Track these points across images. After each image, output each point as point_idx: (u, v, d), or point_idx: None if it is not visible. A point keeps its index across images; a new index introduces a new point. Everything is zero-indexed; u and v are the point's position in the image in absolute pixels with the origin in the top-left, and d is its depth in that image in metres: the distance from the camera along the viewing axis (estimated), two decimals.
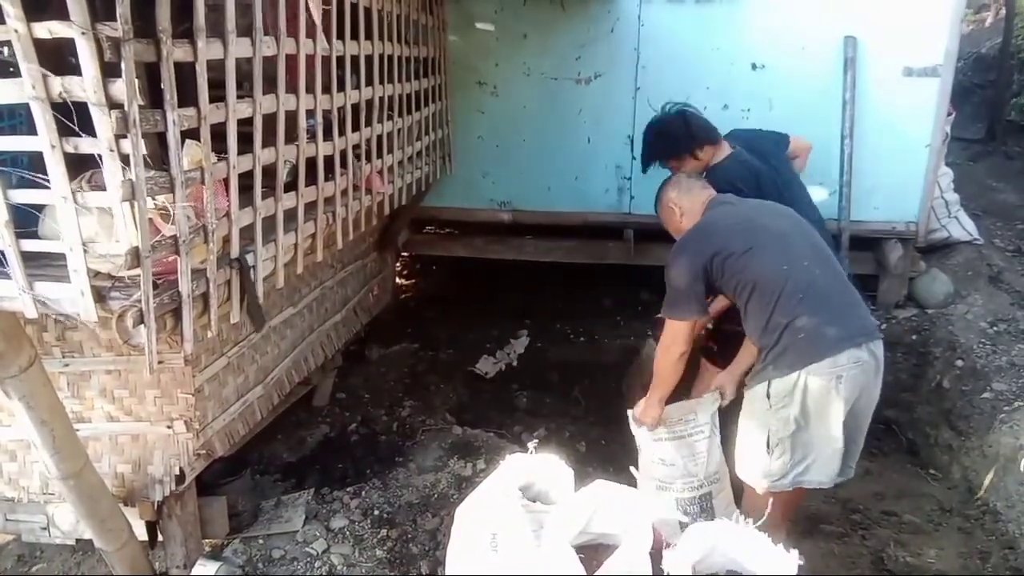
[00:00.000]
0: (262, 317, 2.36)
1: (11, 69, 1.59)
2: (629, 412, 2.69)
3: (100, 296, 1.75)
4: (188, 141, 1.80)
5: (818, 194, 4.02)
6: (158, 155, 1.75)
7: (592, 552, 2.07)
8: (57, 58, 1.61)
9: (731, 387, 2.67)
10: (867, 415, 2.38)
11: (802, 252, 2.35)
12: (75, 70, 1.55)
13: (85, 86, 1.55)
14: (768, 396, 2.30)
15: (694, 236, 2.48)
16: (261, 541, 2.76)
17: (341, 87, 2.66)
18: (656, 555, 1.92)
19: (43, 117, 1.59)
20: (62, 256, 1.72)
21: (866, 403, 2.34)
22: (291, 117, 2.31)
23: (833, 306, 2.30)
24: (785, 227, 2.43)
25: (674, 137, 2.95)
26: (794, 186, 3.01)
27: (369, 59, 2.90)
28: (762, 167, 2.92)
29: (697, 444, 2.63)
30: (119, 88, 1.55)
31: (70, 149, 1.63)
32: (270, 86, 2.17)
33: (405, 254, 5.47)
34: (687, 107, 2.99)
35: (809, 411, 2.27)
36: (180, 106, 1.73)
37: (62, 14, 1.49)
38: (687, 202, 2.61)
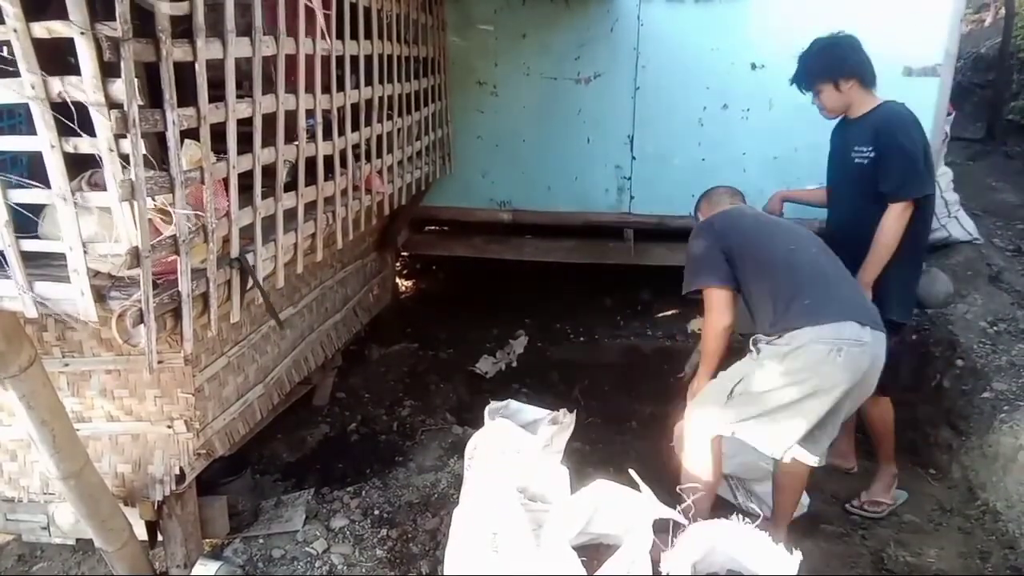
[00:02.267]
0: (276, 313, 2.39)
1: (11, 69, 1.58)
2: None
3: (100, 296, 1.75)
4: (188, 141, 1.81)
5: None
6: (158, 155, 1.75)
7: (592, 552, 2.07)
8: (57, 58, 1.61)
9: None
10: (853, 405, 2.42)
11: (810, 244, 2.51)
12: (75, 70, 1.55)
13: (84, 86, 1.55)
14: (757, 350, 2.40)
15: (711, 220, 2.66)
16: (261, 541, 2.76)
17: (341, 87, 2.66)
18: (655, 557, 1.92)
19: (43, 117, 1.59)
20: (62, 256, 1.72)
21: (858, 393, 2.37)
22: (291, 117, 2.31)
23: (840, 290, 2.40)
24: (792, 226, 2.64)
25: (821, 59, 2.90)
26: None
27: (369, 59, 2.90)
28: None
29: None
30: (118, 88, 1.55)
31: (70, 149, 1.63)
32: (270, 86, 2.17)
33: (405, 254, 5.47)
34: (853, 37, 2.97)
35: (796, 377, 2.28)
36: (180, 106, 1.73)
37: (61, 14, 1.49)
38: (706, 209, 2.83)
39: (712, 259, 2.48)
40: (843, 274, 2.49)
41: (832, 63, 2.86)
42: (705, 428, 2.46)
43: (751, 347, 2.44)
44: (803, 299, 2.33)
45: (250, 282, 2.14)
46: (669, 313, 4.93)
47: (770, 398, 2.33)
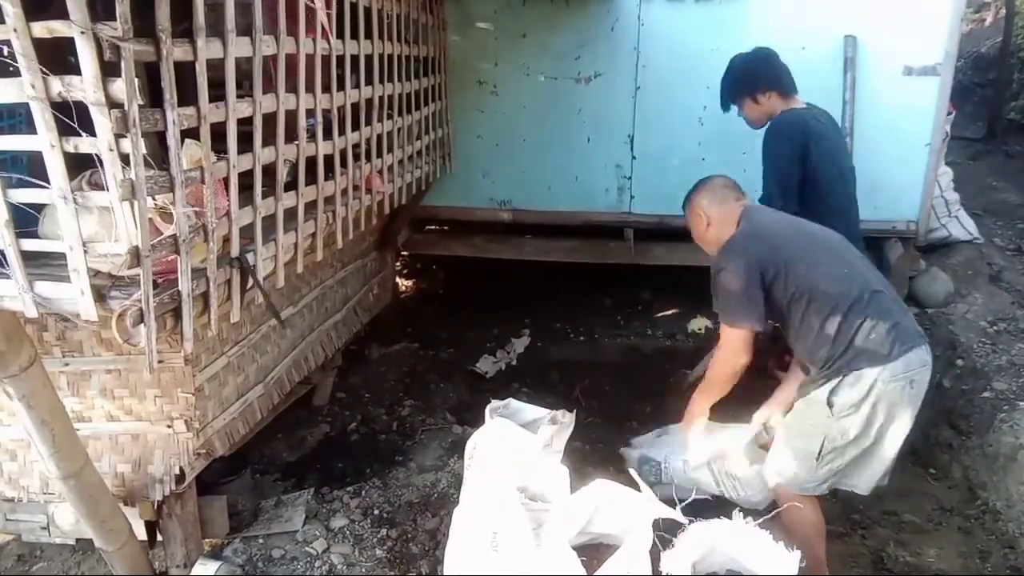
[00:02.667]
0: (277, 312, 2.38)
1: (11, 68, 1.58)
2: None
3: (100, 295, 1.75)
4: (188, 140, 1.80)
5: None
6: (158, 154, 1.75)
7: (592, 552, 2.07)
8: (57, 58, 1.61)
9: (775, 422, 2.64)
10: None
11: (853, 258, 2.35)
12: (75, 70, 1.55)
13: (85, 86, 1.54)
14: (830, 404, 2.23)
15: (747, 240, 2.37)
16: (261, 541, 2.76)
17: (341, 86, 2.66)
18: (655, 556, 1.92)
19: (43, 117, 1.59)
20: (62, 256, 1.72)
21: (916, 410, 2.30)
22: (291, 116, 2.31)
23: (893, 309, 2.26)
24: (830, 236, 2.41)
25: (734, 78, 3.03)
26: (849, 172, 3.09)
27: (369, 58, 2.90)
28: (832, 134, 3.02)
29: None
30: (119, 87, 1.55)
31: (70, 149, 1.63)
32: (270, 85, 2.17)
33: (405, 253, 5.46)
34: (767, 50, 3.07)
35: (875, 420, 2.21)
36: (180, 105, 1.72)
37: (62, 13, 1.49)
38: (717, 212, 2.50)
39: (751, 296, 2.27)
40: (887, 288, 2.34)
41: (747, 79, 3.01)
42: (801, 491, 2.37)
43: (819, 399, 2.26)
44: (868, 334, 2.19)
45: (250, 282, 2.14)
46: (669, 313, 4.93)
47: (859, 445, 2.26)
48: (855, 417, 2.21)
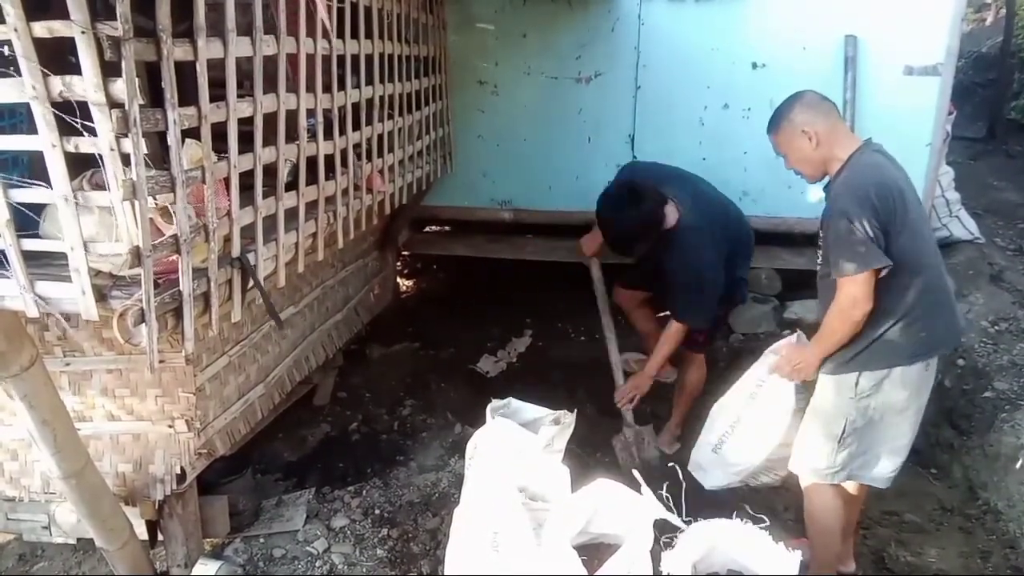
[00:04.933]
0: (276, 313, 2.39)
1: (11, 68, 1.58)
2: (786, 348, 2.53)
3: (101, 295, 1.75)
4: (188, 140, 1.81)
5: (818, 194, 4.02)
6: (159, 154, 1.75)
7: (592, 552, 2.08)
8: (58, 57, 1.61)
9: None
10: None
11: (934, 245, 2.29)
12: (75, 69, 1.55)
13: (85, 85, 1.55)
14: (856, 385, 2.22)
15: (872, 173, 2.14)
16: (262, 540, 2.76)
17: (341, 86, 2.66)
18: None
19: (43, 117, 1.59)
20: (63, 255, 1.72)
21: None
22: (292, 116, 2.31)
23: (946, 310, 2.25)
24: (923, 215, 2.35)
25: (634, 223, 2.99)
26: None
27: (369, 58, 2.90)
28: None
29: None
30: (119, 87, 1.55)
31: (71, 149, 1.63)
32: (271, 85, 2.17)
33: (406, 253, 5.47)
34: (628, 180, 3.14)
35: (891, 402, 2.23)
36: (181, 105, 1.73)
37: (62, 13, 1.49)
38: (825, 128, 2.20)
39: (875, 235, 2.06)
40: (949, 285, 2.32)
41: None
42: (820, 479, 2.36)
43: (848, 382, 2.23)
44: (911, 328, 2.17)
45: (251, 281, 2.14)
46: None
47: (877, 429, 2.26)
48: (874, 397, 2.22)
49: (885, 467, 2.33)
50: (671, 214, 3.00)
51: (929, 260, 2.21)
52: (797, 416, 2.48)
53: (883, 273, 2.09)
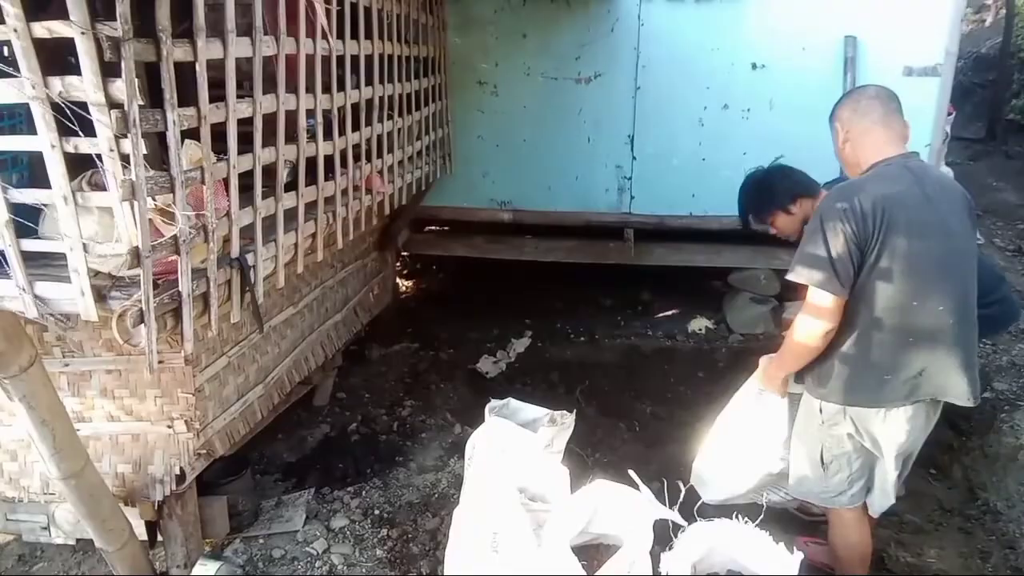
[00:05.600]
0: (261, 318, 2.37)
1: (11, 69, 1.58)
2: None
3: (100, 296, 1.75)
4: (188, 141, 1.81)
5: None
6: (158, 155, 1.75)
7: (592, 552, 2.08)
8: (57, 58, 1.61)
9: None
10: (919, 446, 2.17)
11: (951, 290, 1.97)
12: (75, 70, 1.55)
13: (85, 86, 1.55)
14: (820, 411, 2.12)
15: (858, 188, 1.98)
16: (261, 541, 2.76)
17: (341, 87, 2.66)
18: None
19: (43, 117, 1.59)
20: (63, 256, 1.72)
21: (917, 439, 2.13)
22: (291, 117, 2.31)
23: (937, 360, 1.99)
24: (950, 247, 1.99)
25: (758, 196, 2.70)
26: None
27: (369, 59, 2.90)
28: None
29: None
30: (119, 88, 1.55)
31: (70, 149, 1.63)
32: (270, 86, 2.17)
33: (405, 254, 5.47)
34: (775, 166, 2.79)
35: (863, 436, 2.10)
36: (180, 106, 1.73)
37: (62, 14, 1.49)
38: (858, 128, 2.09)
39: (845, 257, 1.92)
40: (962, 340, 2.01)
41: (777, 192, 2.65)
42: (824, 504, 2.28)
43: (813, 407, 2.14)
44: (876, 371, 1.99)
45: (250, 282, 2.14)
46: (669, 313, 4.93)
47: (860, 456, 2.15)
48: (842, 426, 2.09)
49: (878, 496, 2.22)
50: (814, 204, 2.55)
51: (922, 296, 1.94)
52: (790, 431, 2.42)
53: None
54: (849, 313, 1.99)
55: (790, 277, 2.05)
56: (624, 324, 4.84)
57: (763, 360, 2.42)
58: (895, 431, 2.06)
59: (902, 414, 2.04)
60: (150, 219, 1.71)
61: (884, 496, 2.22)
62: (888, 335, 1.98)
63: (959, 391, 2.04)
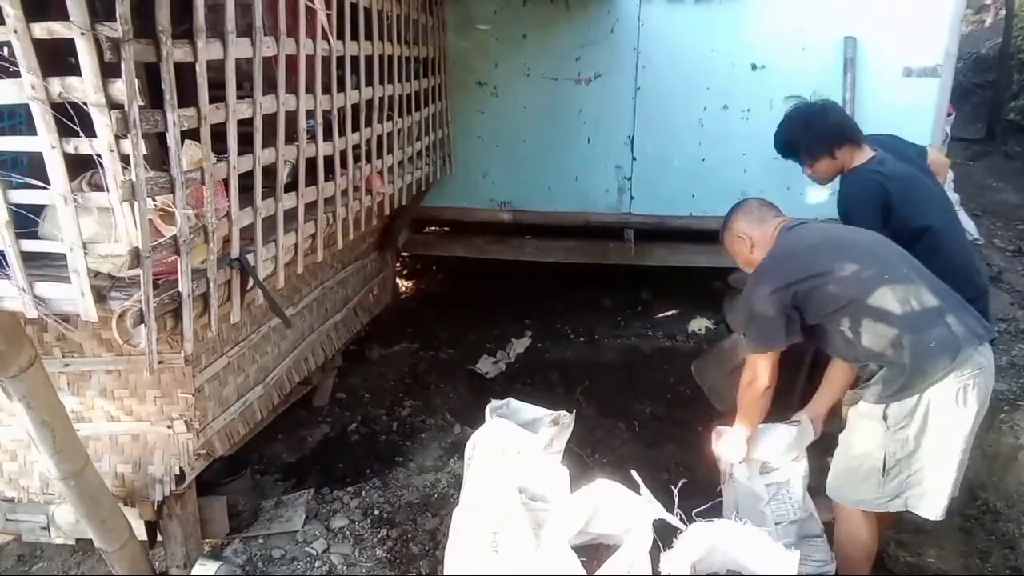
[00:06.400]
0: (282, 312, 2.38)
1: (11, 69, 1.58)
2: (714, 435, 2.55)
3: (100, 296, 1.75)
4: (188, 141, 1.81)
5: (817, 195, 4.02)
6: (158, 155, 1.75)
7: (592, 552, 2.07)
8: (57, 58, 1.62)
9: (819, 423, 2.54)
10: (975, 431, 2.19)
11: (896, 261, 2.20)
12: (75, 70, 1.55)
13: (85, 87, 1.55)
14: (885, 418, 2.15)
15: (776, 262, 2.28)
16: (261, 541, 2.76)
17: (341, 87, 2.66)
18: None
19: (43, 117, 1.59)
20: (62, 256, 1.72)
21: (979, 417, 2.15)
22: (291, 117, 2.31)
23: (943, 313, 2.11)
24: (869, 239, 2.28)
25: (811, 129, 2.69)
26: (945, 199, 2.70)
27: (369, 59, 2.90)
28: (913, 172, 2.64)
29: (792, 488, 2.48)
30: (119, 88, 1.55)
31: (70, 149, 1.63)
32: (270, 86, 2.17)
33: (405, 254, 5.47)
34: (829, 101, 2.79)
35: (928, 430, 2.12)
36: (180, 106, 1.73)
37: (62, 14, 1.49)
38: (758, 232, 2.40)
39: (778, 321, 2.18)
40: (939, 288, 2.17)
41: (828, 133, 2.67)
42: (872, 509, 2.28)
43: (874, 413, 2.17)
44: (913, 347, 2.07)
45: (250, 282, 2.14)
46: (669, 313, 4.93)
47: (921, 457, 2.16)
48: (910, 428, 2.12)
49: (939, 498, 2.21)
50: (857, 156, 2.65)
51: (891, 277, 2.13)
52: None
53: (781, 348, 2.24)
54: (862, 333, 2.14)
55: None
56: (624, 324, 4.84)
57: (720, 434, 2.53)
58: (969, 405, 2.09)
59: (971, 380, 2.09)
60: (150, 219, 1.71)
61: (944, 481, 2.18)
62: (895, 314, 2.10)
63: (979, 329, 2.15)
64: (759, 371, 2.29)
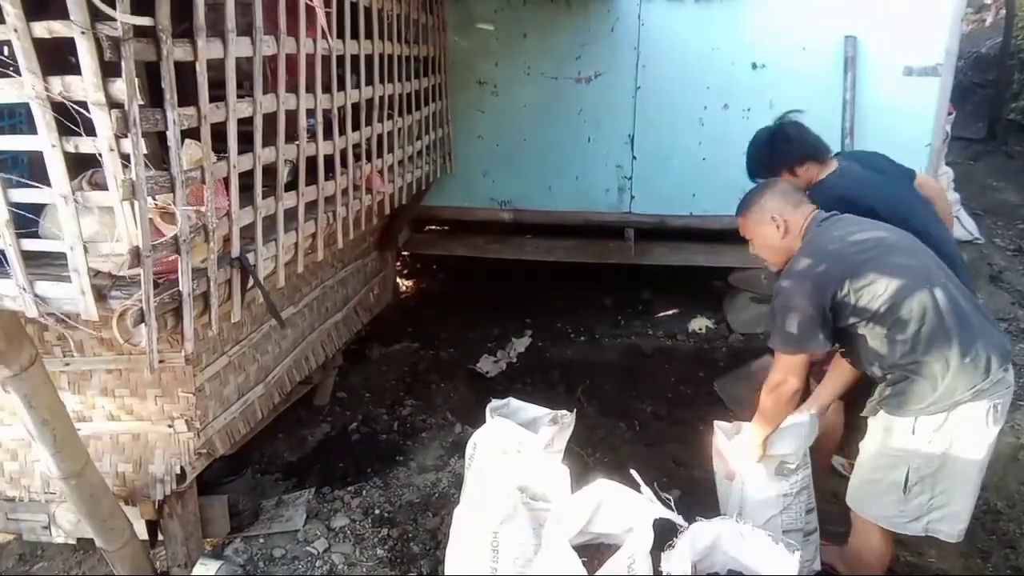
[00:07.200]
0: (278, 313, 2.38)
1: (11, 69, 1.58)
2: (717, 443, 2.46)
3: (101, 295, 1.75)
4: (188, 140, 1.81)
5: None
6: (158, 154, 1.75)
7: (592, 552, 2.07)
8: (57, 58, 1.61)
9: (821, 418, 2.46)
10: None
11: (936, 271, 2.09)
12: (75, 70, 1.55)
13: (85, 86, 1.55)
14: (913, 432, 2.06)
15: (819, 258, 2.11)
16: (262, 540, 2.76)
17: (341, 86, 2.66)
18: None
19: (43, 117, 1.59)
20: (63, 255, 1.72)
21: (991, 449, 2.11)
22: (291, 116, 2.31)
23: (975, 330, 2.03)
24: (909, 241, 2.16)
25: (770, 151, 2.71)
26: (929, 217, 2.59)
27: (369, 58, 2.90)
28: (880, 180, 2.61)
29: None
30: (119, 88, 1.55)
31: (70, 149, 1.63)
32: (270, 86, 2.17)
33: (406, 253, 5.47)
34: (794, 118, 2.78)
35: (956, 448, 2.05)
36: (180, 105, 1.73)
37: (62, 13, 1.49)
38: (794, 217, 2.23)
39: (816, 323, 2.05)
40: (971, 304, 2.10)
41: (785, 152, 2.67)
42: (892, 529, 2.22)
43: (903, 425, 2.10)
44: (947, 362, 1.99)
45: (251, 281, 2.14)
46: (669, 313, 4.93)
47: (945, 476, 2.09)
48: (938, 444, 2.05)
49: (960, 518, 2.14)
50: (822, 172, 2.63)
51: (931, 287, 2.03)
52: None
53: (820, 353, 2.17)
54: (898, 342, 2.04)
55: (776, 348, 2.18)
56: (624, 324, 4.84)
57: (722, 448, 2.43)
58: (997, 424, 2.05)
59: (1000, 400, 2.05)
60: (150, 218, 1.71)
61: (965, 498, 2.12)
62: (934, 326, 2.01)
63: (1007, 347, 2.11)
64: (791, 373, 2.15)
